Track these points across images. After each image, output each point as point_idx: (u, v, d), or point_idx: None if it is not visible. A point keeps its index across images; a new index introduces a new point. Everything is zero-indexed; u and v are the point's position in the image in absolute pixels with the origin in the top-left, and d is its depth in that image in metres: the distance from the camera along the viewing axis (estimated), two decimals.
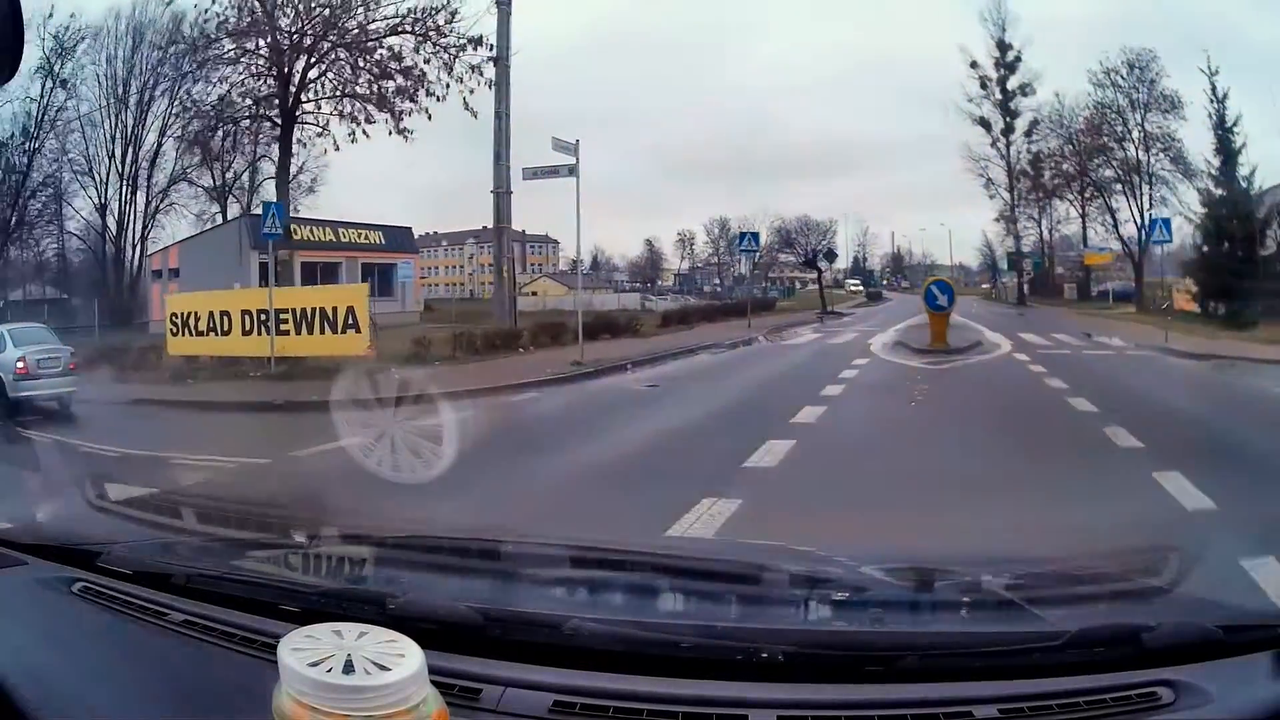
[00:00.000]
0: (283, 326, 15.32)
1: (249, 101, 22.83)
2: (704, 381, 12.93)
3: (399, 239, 26.70)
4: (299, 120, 22.14)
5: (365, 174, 35.18)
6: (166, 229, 29.76)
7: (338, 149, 22.55)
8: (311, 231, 24.79)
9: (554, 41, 32.04)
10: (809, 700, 1.17)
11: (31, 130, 27.20)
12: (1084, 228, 28.48)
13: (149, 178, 28.93)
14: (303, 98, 21.72)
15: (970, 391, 11.71)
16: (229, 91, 23.01)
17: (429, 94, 21.32)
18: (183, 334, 16.96)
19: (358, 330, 14.76)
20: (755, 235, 25.45)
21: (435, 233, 33.06)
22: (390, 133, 21.65)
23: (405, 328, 19.37)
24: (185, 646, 1.33)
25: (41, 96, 26.95)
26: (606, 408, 10.74)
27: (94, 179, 29.03)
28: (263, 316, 15.42)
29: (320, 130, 22.51)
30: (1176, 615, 1.40)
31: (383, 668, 0.91)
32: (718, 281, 34.53)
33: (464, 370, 14.20)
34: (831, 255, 29.83)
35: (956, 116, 26.93)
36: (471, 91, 20.98)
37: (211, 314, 16.61)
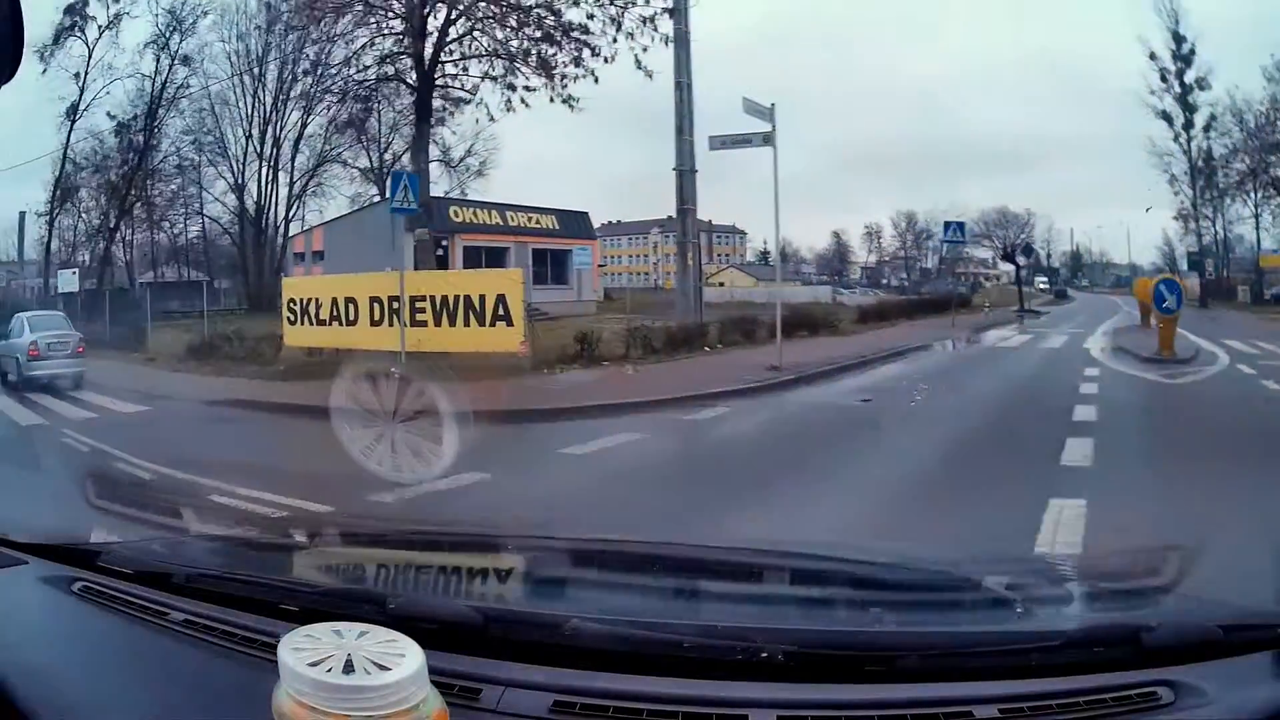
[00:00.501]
0: (419, 317, 12.88)
1: (382, 63, 19.77)
2: (926, 398, 10.24)
3: (575, 224, 24.51)
4: (441, 85, 18.81)
5: (540, 161, 33.12)
6: (316, 211, 28.32)
7: (492, 120, 19.46)
8: (475, 214, 22.85)
9: (728, 33, 30.71)
10: (809, 700, 1.17)
11: (152, 108, 26.04)
12: (1257, 228, 26.87)
13: (292, 158, 27.78)
14: (442, 56, 18.23)
15: (1238, 415, 8.86)
16: (359, 50, 20.05)
17: (594, 53, 17.88)
18: (301, 323, 14.71)
19: (509, 323, 12.36)
20: (961, 225, 23.15)
21: (618, 221, 31.72)
22: (552, 99, 18.23)
23: (578, 319, 17.36)
24: (185, 646, 1.33)
25: (156, 73, 25.87)
26: (813, 434, 8.21)
27: (229, 159, 28.09)
28: (395, 305, 12.93)
29: (469, 95, 19.25)
30: (1176, 615, 1.40)
31: (383, 667, 0.92)
32: (904, 275, 33.90)
33: (639, 374, 12.29)
34: (1029, 250, 28.60)
35: (1134, 111, 25.27)
36: (645, 50, 17.60)
37: (335, 301, 14.18)
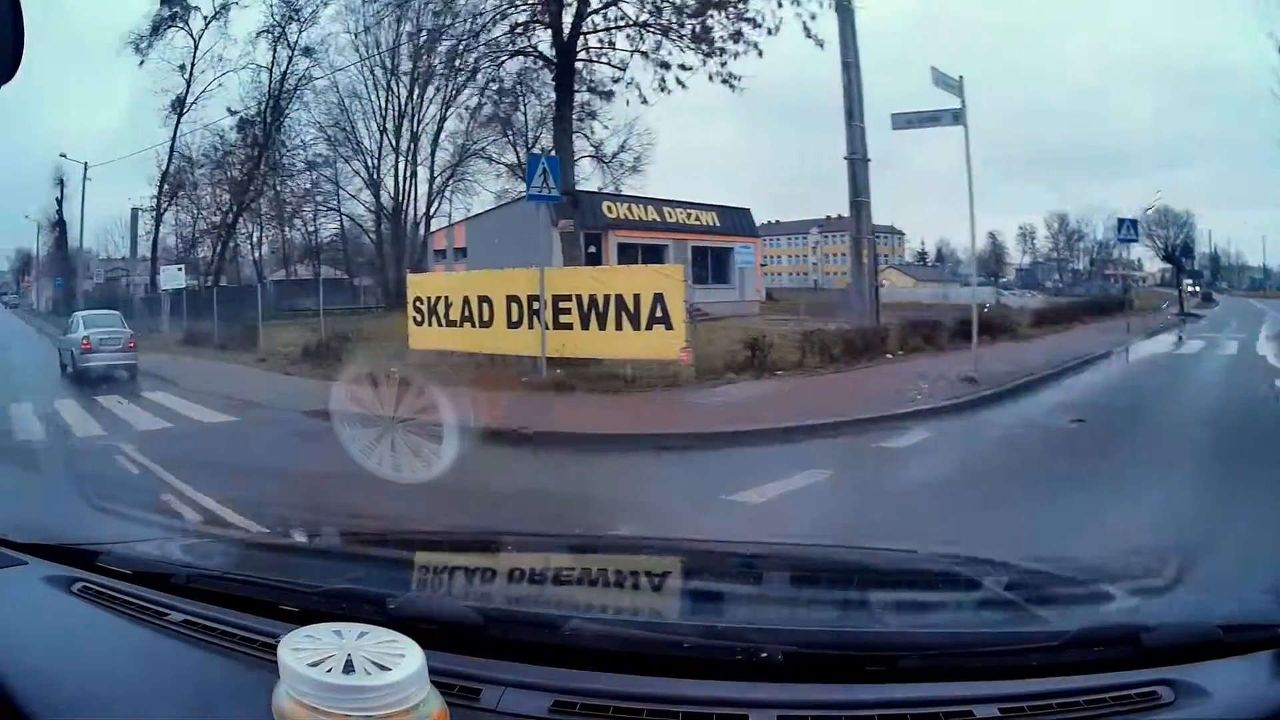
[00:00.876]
0: (563, 319, 11.27)
1: (515, 36, 17.89)
2: (1144, 418, 8.62)
3: (736, 221, 23.07)
4: (584, 59, 16.94)
5: (692, 160, 31.65)
6: (463, 209, 26.90)
7: (645, 102, 17.44)
8: (630, 209, 21.29)
9: (876, 22, 28.05)
10: (810, 700, 1.17)
11: (271, 101, 24.88)
12: None
13: (432, 153, 26.47)
14: (584, 27, 16.41)
15: None
16: (488, 23, 18.16)
17: (755, 24, 15.94)
18: (429, 323, 13.22)
19: (669, 326, 10.58)
20: (1134, 223, 21.66)
21: (776, 221, 30.21)
22: (711, 77, 16.36)
23: (741, 320, 16.25)
24: (185, 646, 1.33)
25: (274, 65, 24.74)
26: (1043, 471, 6.25)
27: (363, 154, 26.80)
28: (536, 305, 11.36)
29: (617, 70, 17.35)
30: (1176, 615, 1.40)
31: (383, 668, 0.92)
32: (1057, 277, 33.16)
33: (820, 385, 10.61)
34: (1189, 250, 27.67)
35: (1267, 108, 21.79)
36: (813, 17, 15.69)
37: (467, 300, 12.61)
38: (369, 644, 0.96)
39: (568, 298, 11.35)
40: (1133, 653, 1.24)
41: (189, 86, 25.81)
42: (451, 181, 27.01)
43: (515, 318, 11.96)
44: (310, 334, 15.76)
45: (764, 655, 1.21)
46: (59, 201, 33.14)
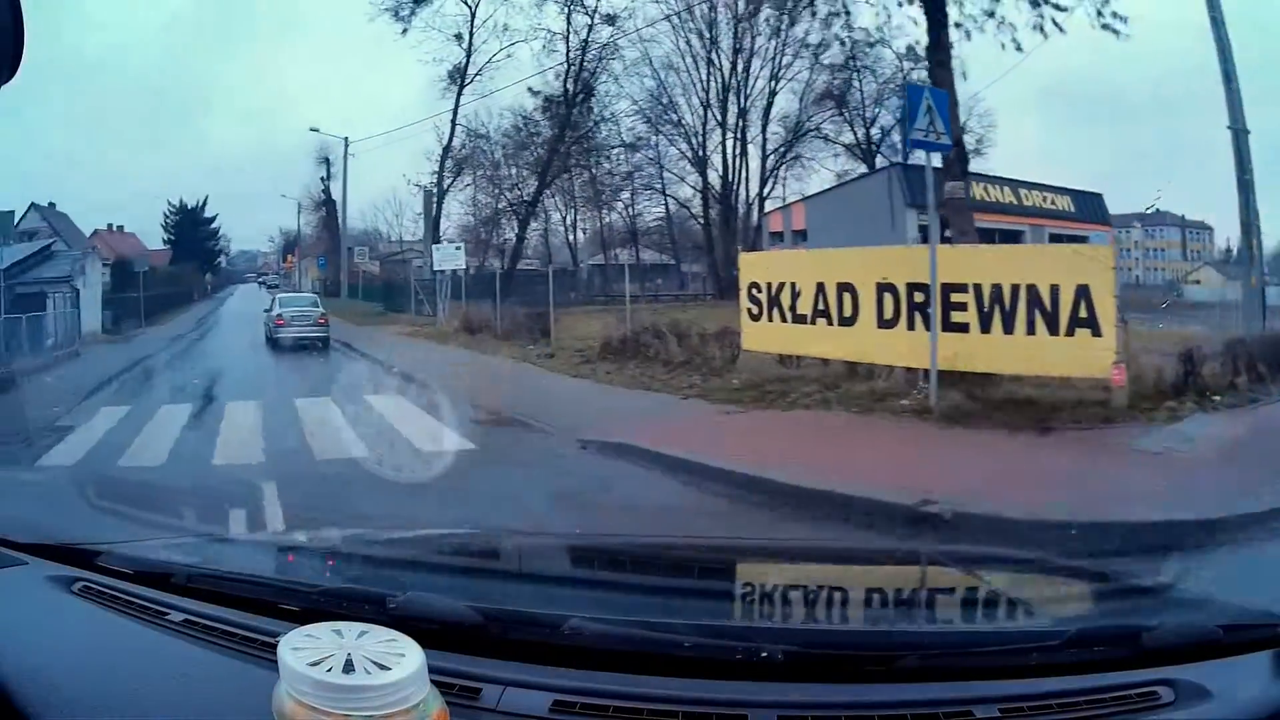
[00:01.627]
0: (955, 316, 8.10)
1: None
2: None
3: (1090, 206, 20.54)
4: None
5: (1014, 147, 28.20)
6: (793, 189, 24.60)
7: (1019, 48, 14.95)
8: (986, 190, 18.32)
9: None
10: (810, 700, 1.17)
11: (574, 72, 22.80)
12: None
13: (763, 129, 24.26)
14: None
15: None
16: None
17: None
18: (769, 317, 9.89)
19: (1096, 331, 7.43)
20: None
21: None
22: (1099, 12, 14.05)
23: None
24: (186, 646, 1.33)
25: (569, 33, 22.72)
26: None
27: (685, 131, 24.61)
28: (919, 297, 8.35)
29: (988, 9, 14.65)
30: (1176, 615, 1.40)
31: (383, 667, 0.92)
32: None
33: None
34: None
35: None
36: None
37: (822, 287, 9.35)
38: (369, 643, 0.96)
39: (962, 288, 8.10)
40: (1133, 653, 1.24)
41: (469, 57, 24.01)
42: (786, 160, 24.57)
43: (889, 314, 8.73)
44: (615, 325, 13.16)
45: (764, 655, 1.21)
46: (324, 180, 32.17)
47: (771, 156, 24.55)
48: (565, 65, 23.62)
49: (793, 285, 9.85)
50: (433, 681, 0.95)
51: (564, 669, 1.22)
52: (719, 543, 2.50)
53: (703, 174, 24.76)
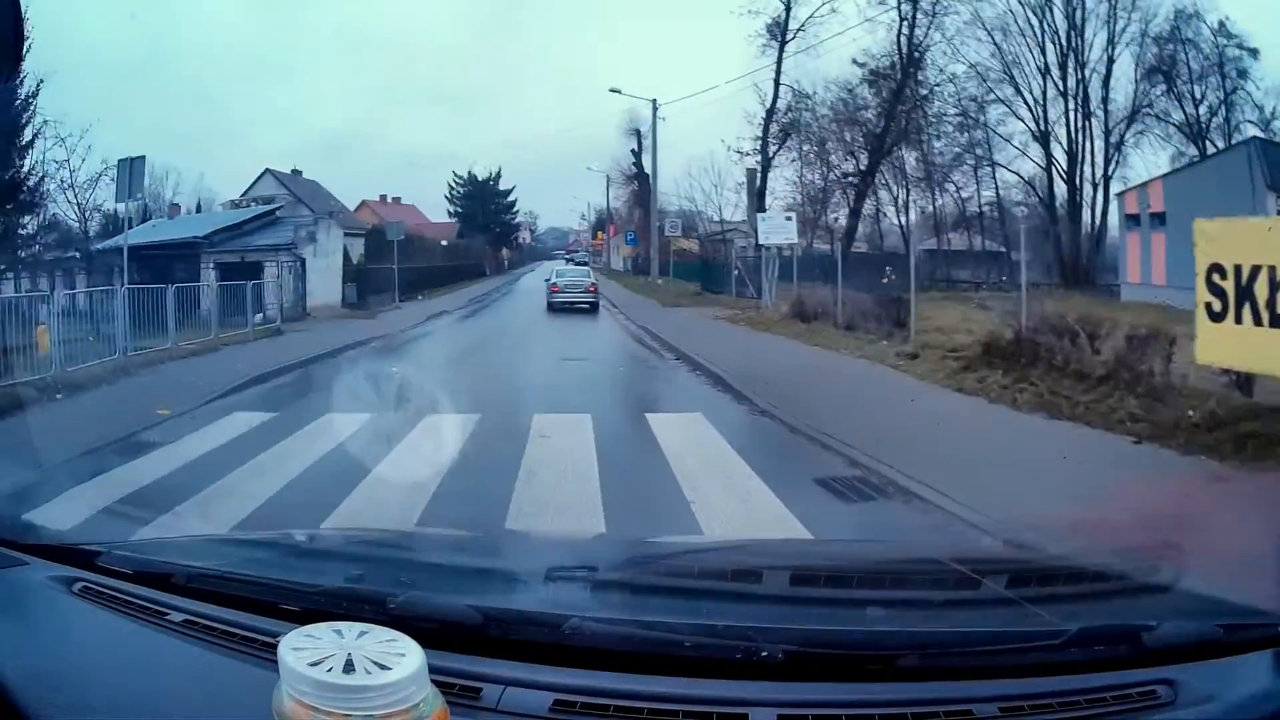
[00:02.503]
0: None
1: None
2: None
3: None
4: None
5: None
6: (1135, 167, 21.54)
7: None
8: None
9: None
10: (810, 699, 1.17)
11: (906, 30, 20.04)
12: None
13: (1104, 97, 21.17)
14: None
15: None
16: None
17: None
18: (1238, 316, 6.41)
19: None
20: None
21: None
22: None
23: None
24: (185, 646, 1.33)
25: None
26: None
27: (1022, 100, 21.39)
28: None
29: None
30: (1176, 614, 1.40)
31: (383, 667, 0.92)
32: None
33: None
34: None
35: None
36: None
37: None
38: (369, 643, 0.96)
39: None
40: (1133, 652, 1.24)
41: (789, 9, 21.94)
42: (1128, 136, 21.28)
43: None
44: (985, 318, 10.51)
45: (764, 654, 1.21)
46: (634, 153, 30.75)
47: (1115, 130, 21.52)
48: (898, 20, 20.90)
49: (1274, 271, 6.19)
50: (433, 681, 0.95)
51: (564, 668, 1.22)
52: (719, 543, 2.50)
53: (1045, 146, 21.81)
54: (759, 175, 24.21)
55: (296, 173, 31.20)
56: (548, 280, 22.70)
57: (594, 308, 20.94)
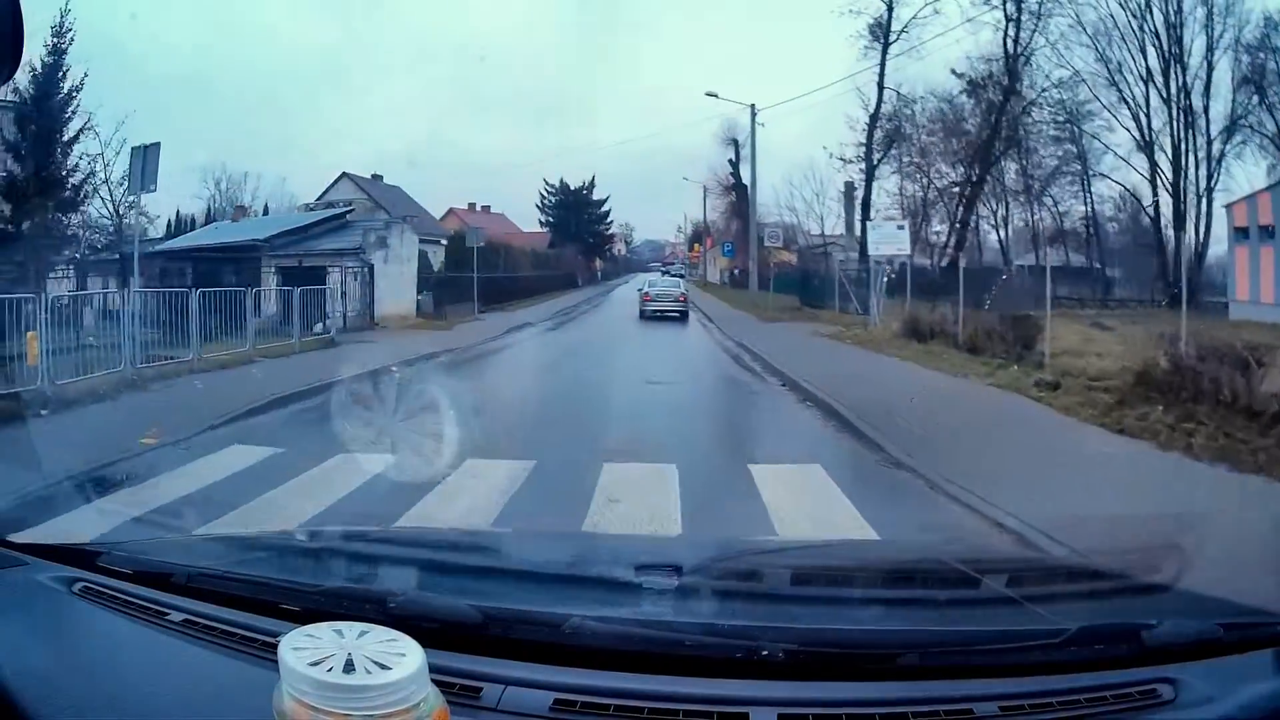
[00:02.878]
0: None
1: None
2: None
3: None
4: None
5: None
6: (1236, 178, 20.30)
7: None
8: None
9: None
10: (810, 698, 1.17)
11: (1011, 30, 18.76)
12: None
13: (1205, 106, 20.05)
14: None
15: None
16: None
17: None
18: None
19: None
20: None
21: None
22: None
23: None
24: (185, 646, 1.33)
25: None
26: None
27: (1128, 106, 20.22)
28: None
29: None
30: (1177, 613, 1.40)
31: (383, 667, 0.91)
32: None
33: None
34: None
35: None
36: None
37: None
38: (369, 643, 0.96)
39: None
40: (1133, 651, 1.24)
41: (891, 9, 20.91)
42: (1230, 146, 20.07)
43: None
44: (1109, 338, 9.65)
45: (764, 653, 1.21)
46: (732, 163, 29.40)
47: (1216, 139, 20.25)
48: (1003, 20, 19.65)
49: None
50: (433, 681, 0.95)
51: (565, 668, 1.22)
52: (719, 542, 2.50)
53: (1150, 156, 20.76)
54: (864, 183, 23.55)
55: (377, 178, 30.35)
56: (640, 290, 23.83)
57: (684, 316, 21.69)
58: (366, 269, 19.34)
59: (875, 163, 23.29)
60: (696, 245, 43.07)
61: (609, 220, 42.49)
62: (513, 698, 1.16)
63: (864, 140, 23.56)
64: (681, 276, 31.55)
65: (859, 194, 23.67)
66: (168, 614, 1.41)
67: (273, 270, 18.59)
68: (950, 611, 1.57)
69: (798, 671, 1.20)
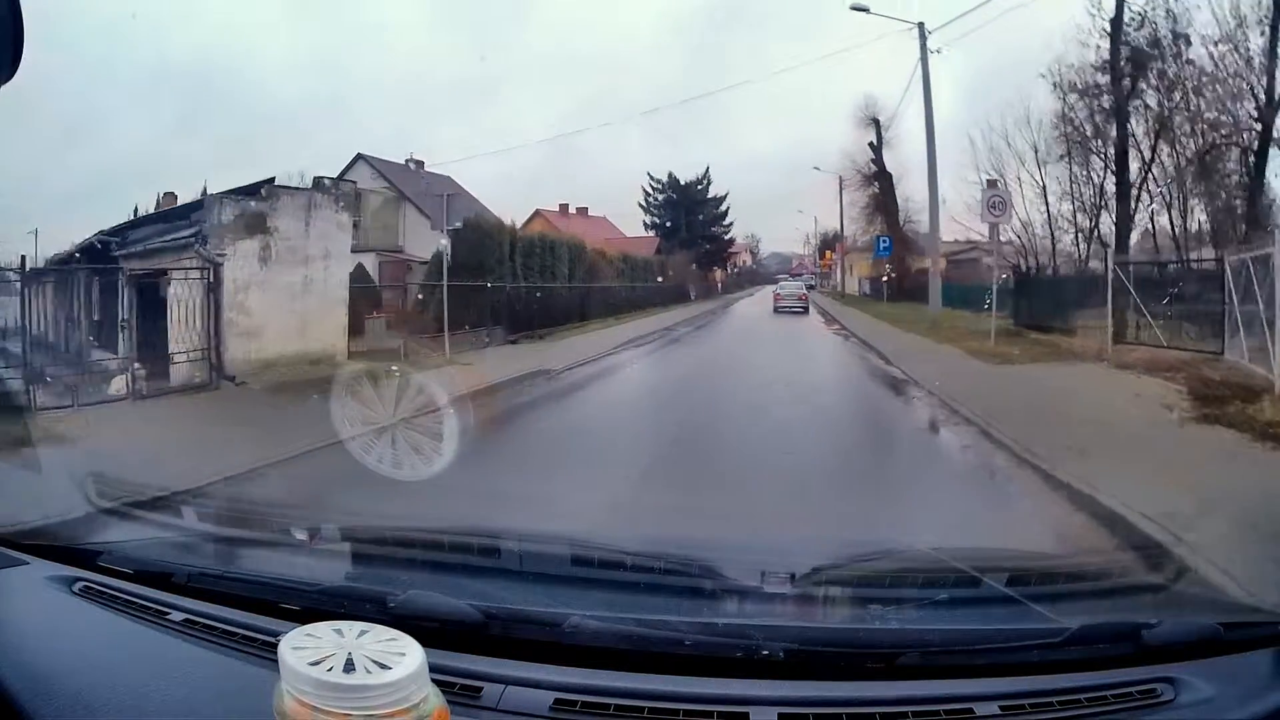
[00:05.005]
0: None
1: None
2: None
3: None
4: None
5: None
6: None
7: None
8: None
9: None
10: (810, 698, 1.17)
11: None
12: None
13: None
14: None
15: None
16: None
17: None
18: None
19: None
20: None
21: None
22: None
23: None
24: (186, 646, 1.33)
25: None
26: None
27: None
28: None
29: None
30: (1177, 612, 1.40)
31: (383, 666, 0.91)
32: None
33: None
34: None
35: None
36: None
37: None
38: (369, 642, 0.96)
39: None
40: (1134, 650, 1.24)
41: None
42: None
43: None
44: None
45: (764, 653, 1.21)
46: (873, 147, 24.81)
47: None
48: None
49: None
50: (433, 680, 0.95)
51: (565, 667, 1.22)
52: (719, 541, 2.50)
53: None
54: (1111, 124, 15.02)
55: (417, 164, 24.35)
56: (774, 291, 27.49)
57: (806, 310, 24.62)
58: (209, 272, 10.63)
59: (1128, 91, 14.60)
60: (828, 252, 38.37)
61: (728, 222, 35.81)
62: (513, 697, 1.16)
63: (1106, 56, 14.93)
64: (811, 288, 33.48)
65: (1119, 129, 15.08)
66: (168, 614, 1.41)
67: (124, 281, 11.21)
68: (950, 611, 1.57)
69: (798, 671, 1.20)
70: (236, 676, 1.23)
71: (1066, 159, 17.17)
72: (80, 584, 1.54)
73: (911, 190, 24.13)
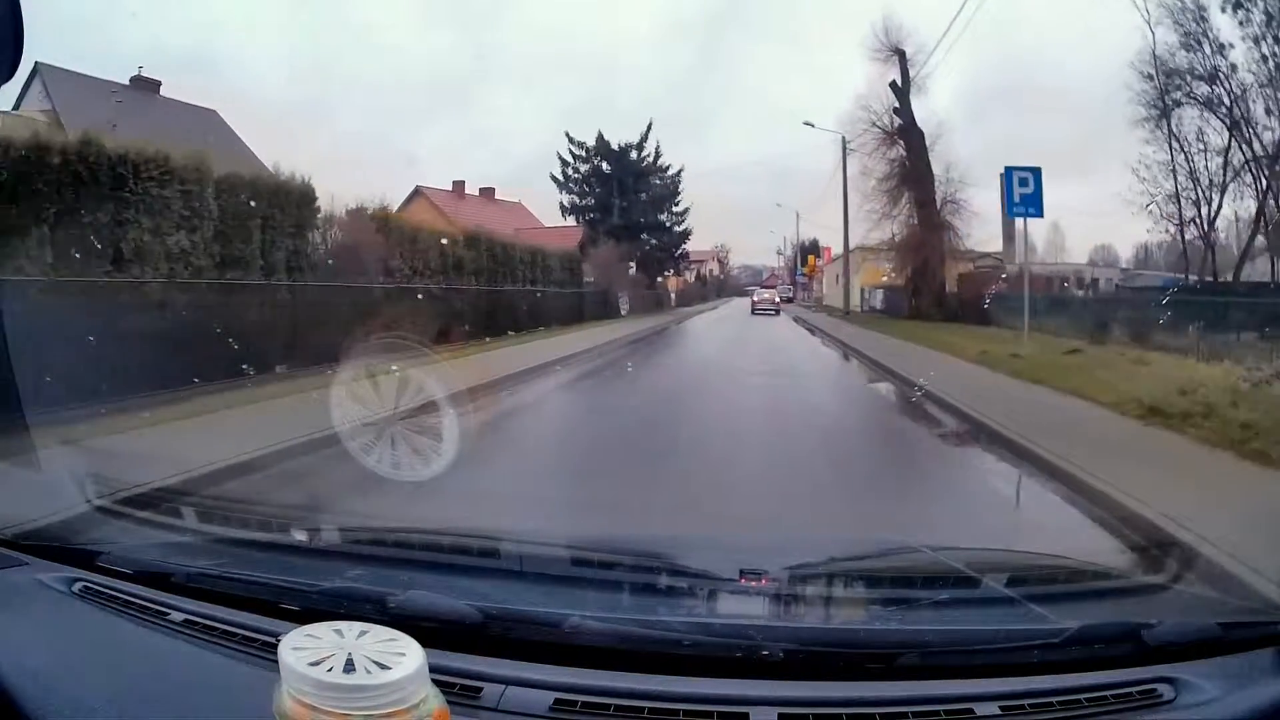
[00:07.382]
0: None
1: None
2: None
3: None
4: None
5: None
6: None
7: None
8: None
9: None
10: (810, 698, 1.17)
11: None
12: None
13: None
14: None
15: None
16: None
17: None
18: None
19: None
20: None
21: None
22: None
23: None
24: (185, 646, 1.33)
25: None
26: None
27: None
28: None
29: None
30: (1177, 612, 1.40)
31: (383, 666, 0.91)
32: None
33: None
34: None
35: None
36: None
37: None
38: (369, 643, 0.95)
39: None
40: (1134, 650, 1.24)
41: None
42: None
43: None
44: None
45: (764, 653, 1.21)
46: (896, 89, 17.56)
47: None
48: None
49: None
50: (433, 680, 0.95)
51: (565, 667, 1.22)
52: (720, 541, 2.50)
53: None
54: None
55: (147, 84, 18.11)
56: (752, 298, 32.54)
57: (778, 313, 29.39)
58: None
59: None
60: (812, 258, 34.77)
61: (682, 209, 26.85)
62: (513, 697, 1.16)
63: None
64: (789, 299, 37.36)
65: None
66: (168, 614, 1.41)
67: None
68: (950, 611, 1.57)
69: (798, 671, 1.20)
70: (236, 677, 1.23)
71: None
72: (80, 584, 1.54)
73: (955, 155, 16.84)
